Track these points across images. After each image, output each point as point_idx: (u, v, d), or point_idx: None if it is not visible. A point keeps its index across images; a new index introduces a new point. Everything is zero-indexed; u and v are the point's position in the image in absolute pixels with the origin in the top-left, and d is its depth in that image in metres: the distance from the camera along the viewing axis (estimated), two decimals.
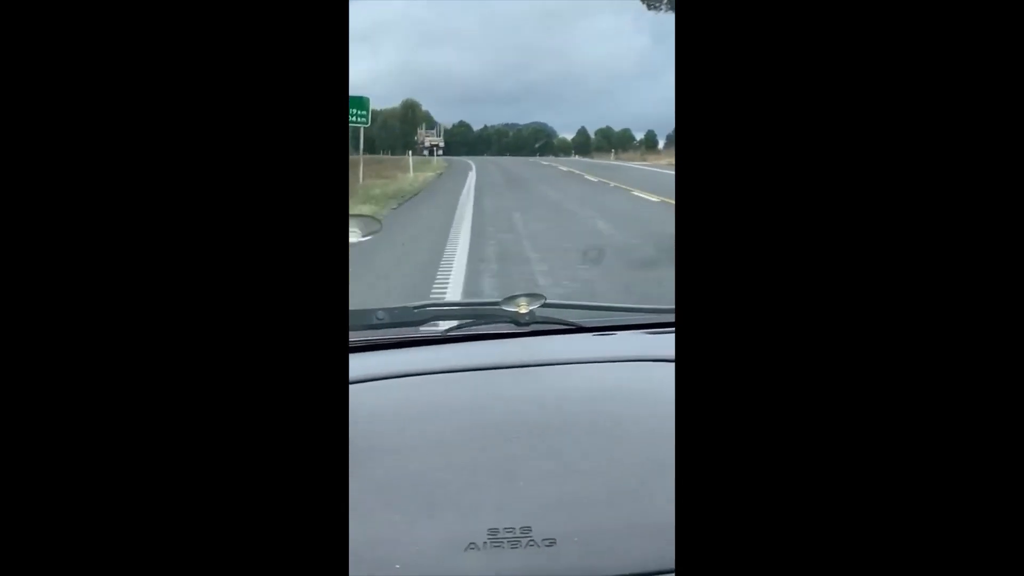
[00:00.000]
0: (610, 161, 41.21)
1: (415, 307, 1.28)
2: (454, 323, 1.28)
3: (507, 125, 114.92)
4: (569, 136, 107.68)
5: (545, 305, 1.25)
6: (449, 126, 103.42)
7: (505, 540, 0.69)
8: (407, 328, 1.26)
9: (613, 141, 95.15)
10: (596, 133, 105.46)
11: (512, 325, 1.24)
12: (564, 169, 26.53)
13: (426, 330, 1.27)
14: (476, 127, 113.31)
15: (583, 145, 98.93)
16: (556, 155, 76.58)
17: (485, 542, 0.69)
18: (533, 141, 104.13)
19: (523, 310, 1.23)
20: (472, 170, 24.78)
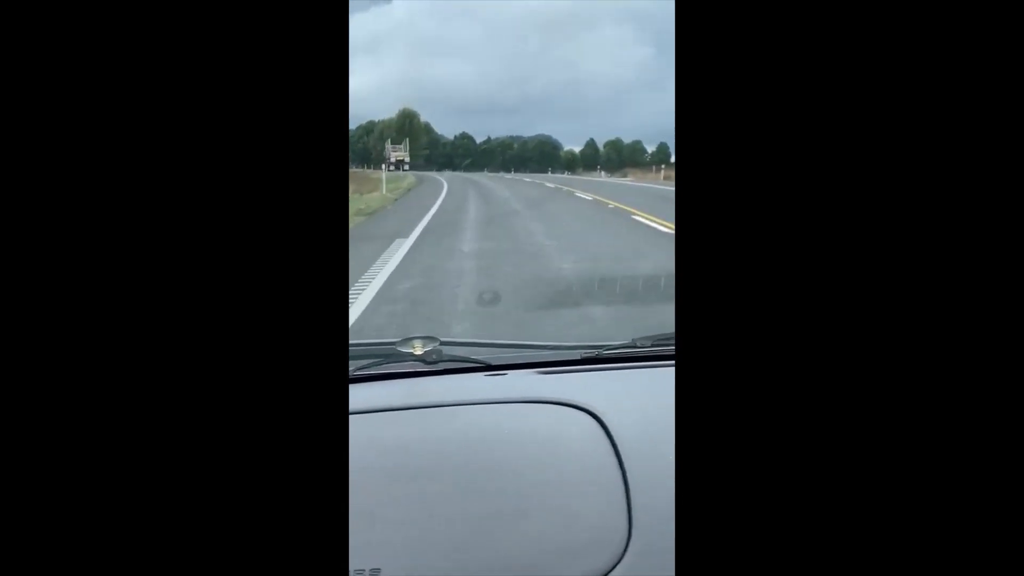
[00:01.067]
0: (662, 185, 25.46)
1: None
2: (361, 362, 1.26)
3: (511, 137, 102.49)
4: (577, 148, 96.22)
5: (443, 343, 1.26)
6: (451, 138, 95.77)
7: None
8: None
9: (623, 154, 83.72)
10: (605, 145, 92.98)
11: (420, 364, 1.25)
12: (650, 225, 10.98)
13: None
14: (479, 139, 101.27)
15: (591, 158, 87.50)
16: (572, 171, 61.10)
17: None
18: (539, 154, 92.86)
19: (418, 351, 1.25)
20: (419, 226, 9.65)
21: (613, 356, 1.31)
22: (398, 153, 47.95)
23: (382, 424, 1.07)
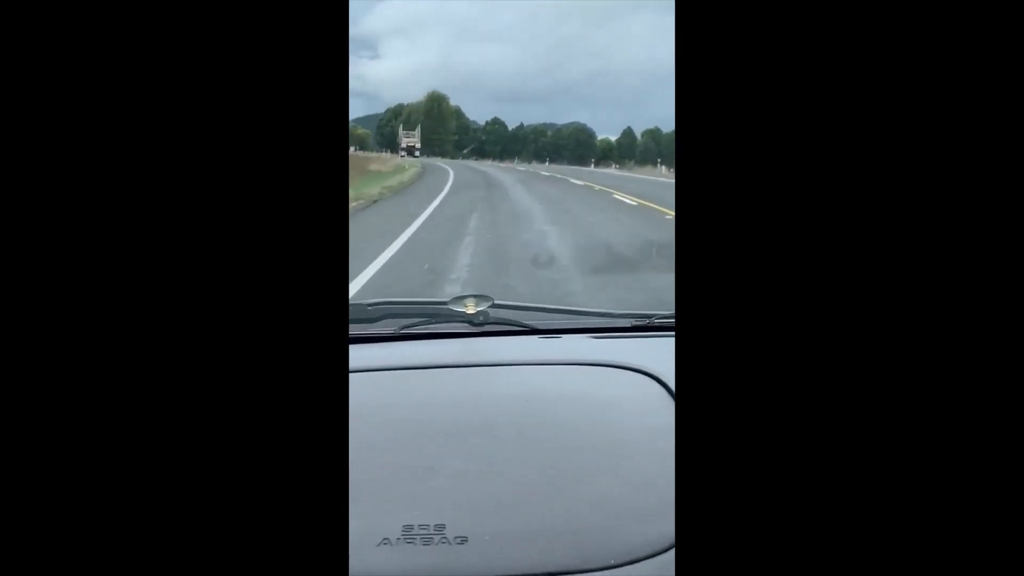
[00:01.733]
0: None
1: (369, 304, 1.26)
2: (411, 320, 1.25)
3: (545, 124, 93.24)
4: (613, 137, 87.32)
5: (494, 306, 1.25)
6: (482, 123, 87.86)
7: (418, 537, 0.69)
8: (362, 325, 1.24)
9: (662, 144, 74.49)
10: (643, 135, 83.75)
11: (467, 325, 1.24)
12: None
13: (380, 328, 1.25)
14: (511, 125, 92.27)
15: (628, 148, 78.31)
16: (619, 165, 50.21)
17: (399, 538, 0.69)
18: (574, 142, 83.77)
19: (471, 310, 1.23)
20: None
21: (665, 324, 1.28)
22: (410, 139, 48.43)
23: (437, 380, 1.04)
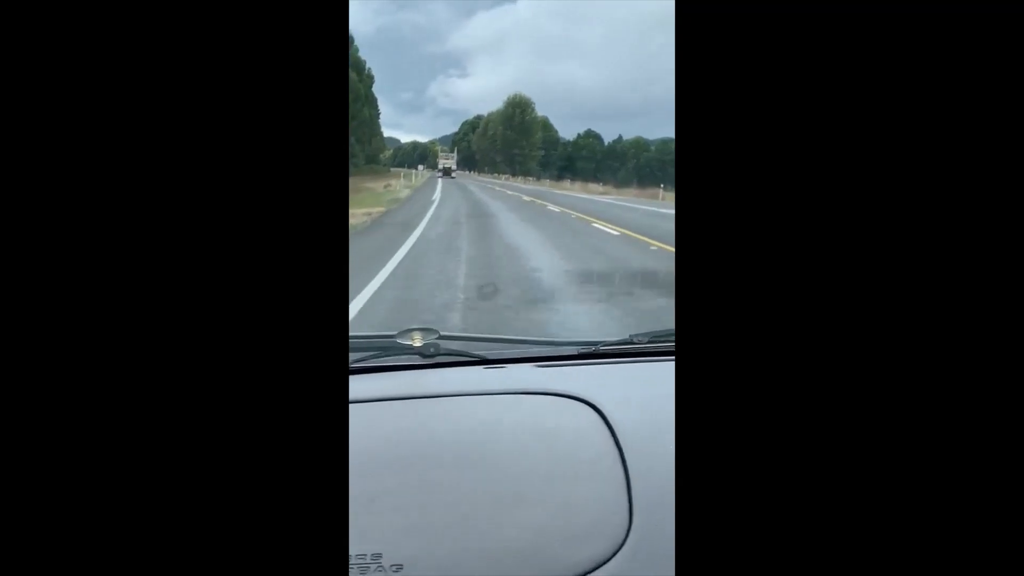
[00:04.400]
0: None
1: None
2: (359, 355, 1.22)
3: (648, 140, 72.57)
4: None
5: (441, 337, 1.23)
6: (572, 137, 69.82)
7: (355, 566, 0.70)
8: None
9: None
10: None
11: (418, 357, 1.23)
12: None
13: None
14: (607, 139, 72.35)
15: None
16: None
17: None
18: None
19: (417, 343, 1.22)
20: None
21: (610, 351, 1.28)
22: (447, 161, 52.59)
23: (381, 413, 1.05)
